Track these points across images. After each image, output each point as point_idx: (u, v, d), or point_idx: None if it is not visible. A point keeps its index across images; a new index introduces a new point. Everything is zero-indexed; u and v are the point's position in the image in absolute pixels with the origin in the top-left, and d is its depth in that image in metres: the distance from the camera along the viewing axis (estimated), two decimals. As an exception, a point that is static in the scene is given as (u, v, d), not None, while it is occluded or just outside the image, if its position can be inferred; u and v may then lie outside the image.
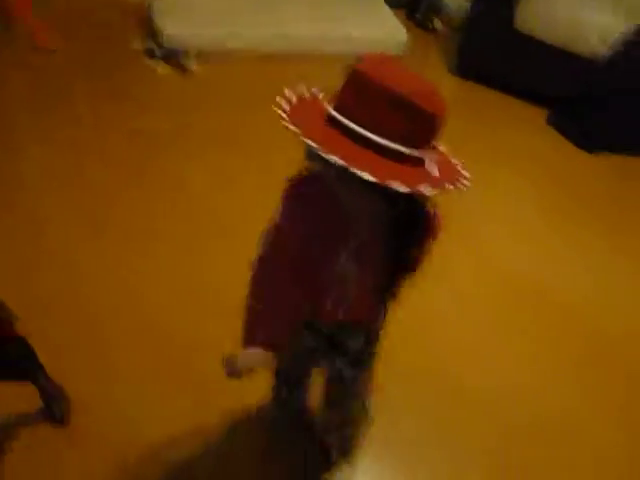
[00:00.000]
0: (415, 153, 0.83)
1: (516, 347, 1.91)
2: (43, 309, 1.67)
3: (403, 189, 0.78)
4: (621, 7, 2.87)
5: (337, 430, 1.38)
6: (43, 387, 1.41)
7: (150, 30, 3.05)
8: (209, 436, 1.50)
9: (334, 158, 0.77)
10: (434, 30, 3.74)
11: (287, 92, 0.89)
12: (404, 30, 3.34)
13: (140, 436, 1.47)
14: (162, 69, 2.84)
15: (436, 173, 0.85)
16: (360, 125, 0.80)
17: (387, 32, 3.33)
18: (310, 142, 0.78)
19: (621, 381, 1.86)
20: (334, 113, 0.83)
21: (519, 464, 1.59)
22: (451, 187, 0.84)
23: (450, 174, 0.89)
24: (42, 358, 1.37)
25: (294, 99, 0.89)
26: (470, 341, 1.89)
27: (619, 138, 2.87)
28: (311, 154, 0.84)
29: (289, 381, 1.38)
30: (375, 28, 3.30)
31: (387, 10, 3.46)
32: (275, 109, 0.84)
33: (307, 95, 0.92)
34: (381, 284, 0.99)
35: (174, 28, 2.94)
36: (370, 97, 0.80)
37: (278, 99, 0.86)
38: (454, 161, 0.94)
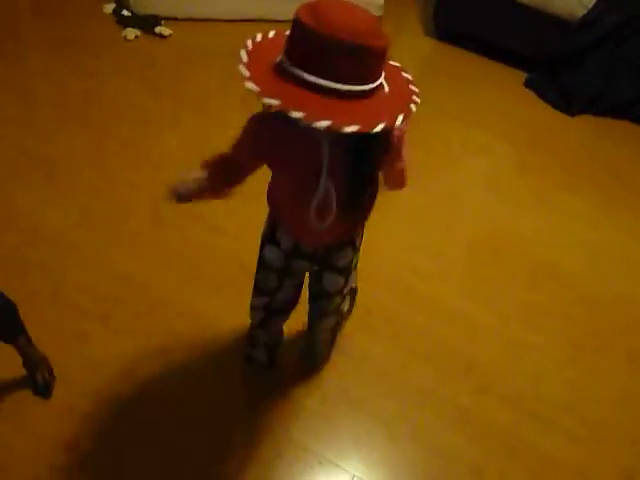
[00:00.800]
0: (371, 86, 0.86)
1: (485, 298, 1.92)
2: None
3: (356, 130, 0.81)
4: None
5: (331, 332, 1.52)
6: (26, 353, 1.39)
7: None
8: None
9: (295, 113, 0.81)
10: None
11: (248, 41, 0.92)
12: (381, -8, 3.26)
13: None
14: (130, 34, 2.74)
15: (391, 101, 0.90)
16: (313, 72, 0.82)
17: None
18: (270, 100, 0.82)
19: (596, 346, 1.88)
20: (286, 65, 0.85)
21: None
22: (401, 118, 0.87)
23: (402, 96, 0.93)
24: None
25: (253, 45, 0.92)
26: (444, 294, 1.90)
27: (597, 100, 2.85)
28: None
29: (274, 313, 1.40)
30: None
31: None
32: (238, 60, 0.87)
33: (268, 37, 0.95)
34: (351, 202, 1.05)
35: (143, -9, 2.84)
36: (317, 47, 0.82)
37: (241, 50, 0.90)
38: (404, 76, 0.99)
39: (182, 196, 1.08)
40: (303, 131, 0.90)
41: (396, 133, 0.99)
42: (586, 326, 1.90)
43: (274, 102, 0.81)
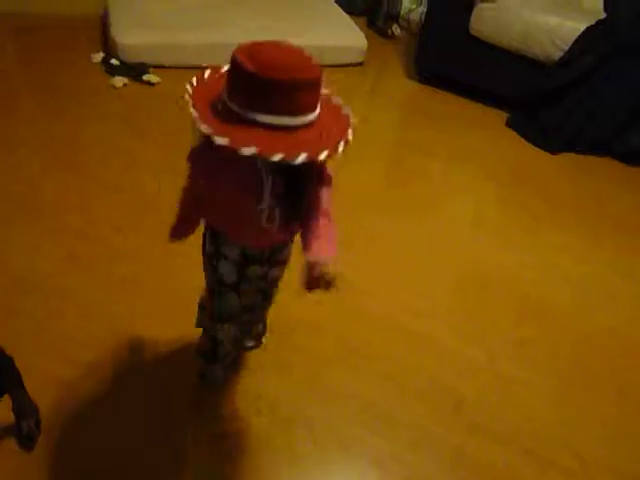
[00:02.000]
0: (305, 120, 0.94)
1: (473, 334, 1.91)
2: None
3: (309, 160, 0.91)
4: (571, 10, 2.94)
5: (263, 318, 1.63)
6: (19, 404, 1.36)
7: (107, 43, 3.02)
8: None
9: (244, 150, 0.89)
10: (393, 37, 3.79)
11: (194, 78, 1.04)
12: (364, 38, 3.37)
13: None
14: (118, 82, 2.79)
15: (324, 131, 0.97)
16: (254, 110, 0.91)
17: (347, 40, 3.35)
18: (221, 139, 0.90)
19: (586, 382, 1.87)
20: (229, 105, 0.94)
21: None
22: (325, 153, 0.93)
23: (335, 127, 0.99)
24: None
25: (193, 87, 1.02)
26: (433, 331, 1.90)
27: (577, 137, 2.92)
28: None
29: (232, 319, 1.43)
30: (335, 37, 3.31)
31: (346, 18, 3.49)
32: (185, 93, 0.99)
33: (211, 76, 1.05)
34: (290, 215, 1.14)
35: (130, 40, 2.92)
36: (256, 88, 0.90)
37: (187, 84, 1.01)
38: (336, 102, 1.06)
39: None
40: (243, 159, 0.94)
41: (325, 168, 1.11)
42: (575, 360, 1.90)
43: (223, 141, 0.90)
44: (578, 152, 2.95)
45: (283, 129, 0.92)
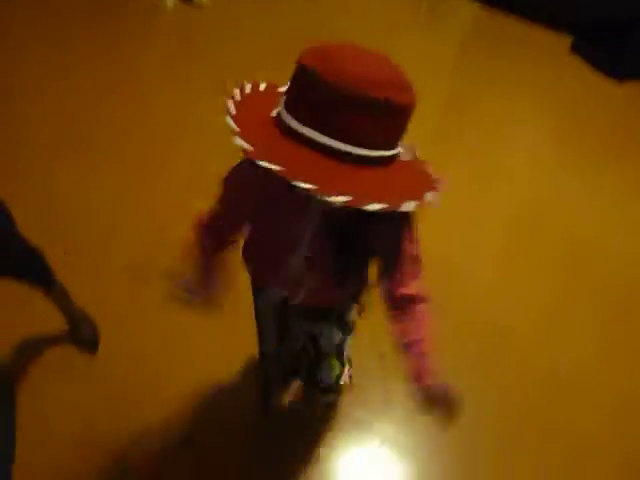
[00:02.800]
0: (386, 154, 0.69)
1: (525, 275, 1.90)
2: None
3: (382, 209, 0.64)
4: None
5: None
6: (65, 305, 1.40)
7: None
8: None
9: (302, 184, 0.63)
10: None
11: (237, 88, 0.75)
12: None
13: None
14: (170, 2, 2.77)
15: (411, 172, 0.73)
16: (318, 129, 0.65)
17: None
18: (269, 165, 0.63)
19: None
20: (284, 119, 0.68)
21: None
22: (430, 196, 0.69)
23: (420, 176, 0.75)
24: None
25: (242, 96, 0.75)
26: (483, 270, 1.89)
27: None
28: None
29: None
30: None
31: None
32: (225, 104, 0.71)
33: (259, 90, 0.78)
34: (342, 271, 0.90)
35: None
36: (326, 99, 0.65)
37: (228, 96, 0.73)
38: (426, 168, 0.78)
39: (187, 291, 0.98)
40: (291, 192, 0.68)
41: (406, 246, 0.83)
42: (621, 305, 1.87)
43: (274, 168, 0.63)
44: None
45: (350, 161, 0.66)
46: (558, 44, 2.95)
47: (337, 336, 1.12)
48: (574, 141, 2.47)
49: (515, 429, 1.45)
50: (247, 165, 0.79)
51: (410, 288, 0.85)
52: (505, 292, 1.84)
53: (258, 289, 1.07)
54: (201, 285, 0.99)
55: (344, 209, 0.66)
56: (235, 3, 2.86)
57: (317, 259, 0.88)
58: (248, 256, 0.99)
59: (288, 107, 0.68)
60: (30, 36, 2.47)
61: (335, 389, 1.23)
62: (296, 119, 0.67)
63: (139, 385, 1.37)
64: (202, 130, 2.16)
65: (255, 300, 1.11)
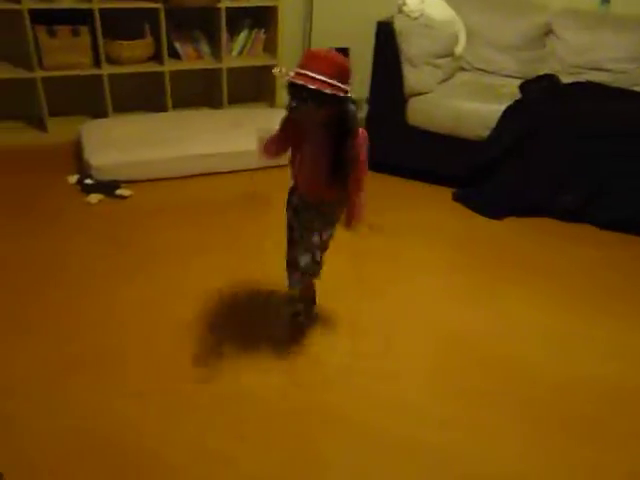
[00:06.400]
0: (338, 83, 1.60)
1: (450, 399, 2.04)
2: None
3: (329, 91, 1.56)
4: (491, 96, 3.34)
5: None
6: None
7: (81, 165, 3.28)
8: None
9: (299, 82, 1.56)
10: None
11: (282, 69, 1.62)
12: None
13: None
14: (94, 198, 3.03)
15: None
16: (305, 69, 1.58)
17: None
18: (291, 79, 1.58)
19: (557, 427, 1.96)
20: (297, 69, 1.59)
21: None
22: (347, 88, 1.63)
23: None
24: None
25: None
26: (401, 396, 2.02)
27: (517, 202, 3.22)
28: (289, 99, 1.63)
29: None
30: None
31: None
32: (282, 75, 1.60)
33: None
34: (334, 171, 1.77)
35: (102, 160, 3.20)
36: (314, 61, 1.59)
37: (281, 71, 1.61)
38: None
39: (263, 141, 1.84)
40: (305, 124, 1.74)
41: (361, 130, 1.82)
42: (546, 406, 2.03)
43: (297, 81, 1.56)
44: (520, 215, 3.24)
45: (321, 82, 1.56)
46: (442, 195, 3.41)
47: (328, 233, 1.99)
48: (466, 273, 2.78)
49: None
50: (288, 116, 1.74)
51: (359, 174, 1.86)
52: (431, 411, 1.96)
53: (292, 192, 2.00)
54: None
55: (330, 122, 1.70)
56: (154, 191, 3.19)
57: (317, 156, 1.78)
58: (291, 164, 1.91)
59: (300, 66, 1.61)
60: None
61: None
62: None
63: None
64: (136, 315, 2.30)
65: (288, 200, 2.01)
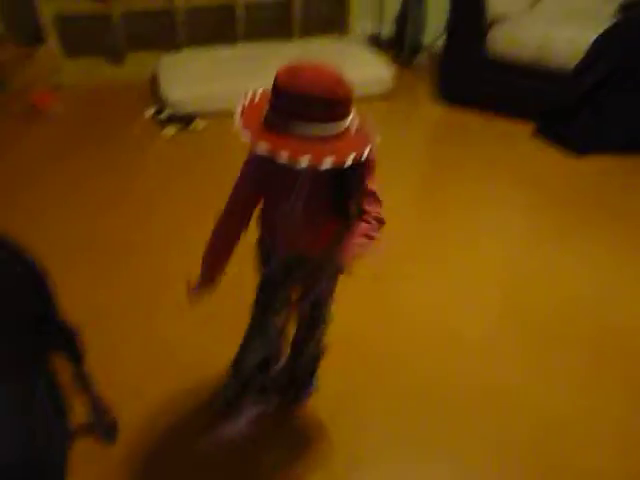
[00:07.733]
0: (339, 127, 1.04)
1: (514, 343, 1.98)
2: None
3: (335, 165, 0.99)
4: (586, 19, 3.06)
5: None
6: (94, 398, 1.51)
7: (158, 99, 3.35)
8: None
9: (279, 154, 0.99)
10: (418, 66, 4.00)
11: (240, 101, 1.12)
12: (388, 69, 3.59)
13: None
14: (169, 131, 3.10)
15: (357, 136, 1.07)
16: (293, 119, 1.00)
17: (374, 73, 3.57)
18: (260, 144, 1.00)
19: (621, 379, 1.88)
20: (270, 116, 1.04)
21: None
22: (367, 151, 1.04)
23: (364, 135, 1.08)
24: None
25: (243, 107, 1.10)
26: (468, 337, 1.99)
27: (602, 137, 2.99)
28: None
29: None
30: (362, 70, 3.54)
31: (374, 55, 3.74)
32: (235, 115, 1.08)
33: (256, 99, 1.12)
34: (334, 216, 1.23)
35: (178, 95, 3.25)
36: (293, 100, 1.01)
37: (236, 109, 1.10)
38: (362, 122, 1.11)
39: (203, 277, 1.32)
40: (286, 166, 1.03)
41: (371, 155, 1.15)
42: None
43: (262, 146, 1.00)
44: (602, 153, 3.01)
45: (316, 139, 1.01)
46: (521, 129, 3.23)
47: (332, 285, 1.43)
48: (548, 212, 2.65)
49: None
50: (254, 155, 1.19)
51: (369, 207, 1.21)
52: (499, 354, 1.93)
53: (267, 257, 1.38)
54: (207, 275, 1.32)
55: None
56: (227, 123, 3.20)
57: (313, 202, 1.20)
58: (261, 222, 1.34)
59: (271, 107, 1.05)
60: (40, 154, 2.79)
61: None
62: (273, 112, 1.04)
63: None
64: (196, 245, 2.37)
65: (263, 268, 1.40)
